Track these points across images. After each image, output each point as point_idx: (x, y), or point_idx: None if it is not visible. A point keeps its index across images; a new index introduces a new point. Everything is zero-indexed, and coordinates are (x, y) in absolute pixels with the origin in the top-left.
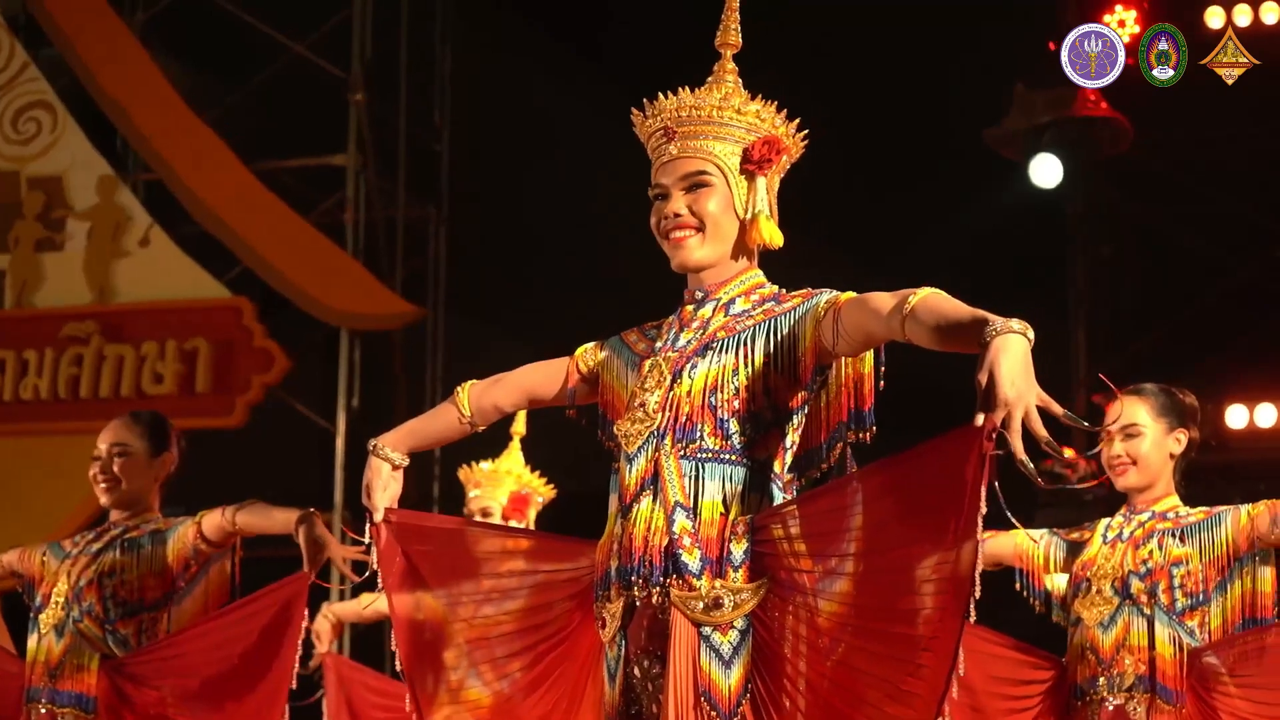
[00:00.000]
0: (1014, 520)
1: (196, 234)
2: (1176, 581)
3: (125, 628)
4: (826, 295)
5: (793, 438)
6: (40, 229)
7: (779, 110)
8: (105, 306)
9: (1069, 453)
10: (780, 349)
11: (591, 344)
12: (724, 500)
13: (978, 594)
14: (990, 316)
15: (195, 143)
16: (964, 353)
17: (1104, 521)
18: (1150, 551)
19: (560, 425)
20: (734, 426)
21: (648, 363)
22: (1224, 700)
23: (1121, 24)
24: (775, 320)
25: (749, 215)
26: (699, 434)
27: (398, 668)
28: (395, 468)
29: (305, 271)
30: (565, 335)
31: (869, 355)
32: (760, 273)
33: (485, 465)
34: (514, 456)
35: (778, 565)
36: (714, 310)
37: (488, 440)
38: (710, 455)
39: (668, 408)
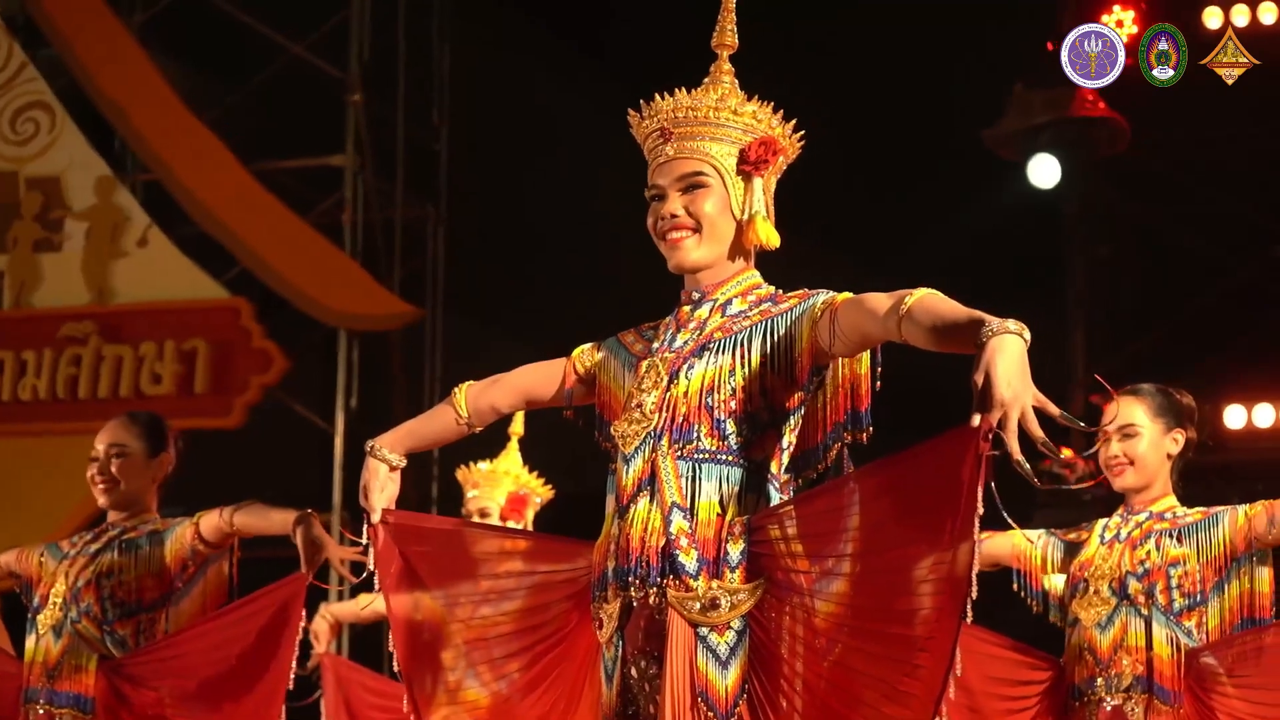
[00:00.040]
0: (1010, 521)
1: (195, 234)
2: (1174, 582)
3: (123, 628)
4: (823, 296)
5: (789, 438)
6: (38, 229)
7: (775, 111)
8: (103, 307)
9: (1067, 453)
10: (777, 350)
11: (588, 345)
12: (721, 501)
13: (974, 594)
14: (986, 317)
15: (193, 143)
16: (960, 353)
17: (1101, 522)
18: (1148, 552)
19: (558, 426)
20: (731, 427)
21: (645, 363)
22: (1222, 701)
23: (1120, 24)
24: (772, 321)
25: (745, 216)
26: (696, 435)
27: (395, 668)
28: (392, 469)
29: (304, 272)
30: (565, 335)
31: (865, 356)
32: (757, 273)
33: (483, 466)
34: (512, 457)
35: (775, 566)
36: (711, 311)
37: (486, 441)
38: (707, 456)
39: (664, 408)
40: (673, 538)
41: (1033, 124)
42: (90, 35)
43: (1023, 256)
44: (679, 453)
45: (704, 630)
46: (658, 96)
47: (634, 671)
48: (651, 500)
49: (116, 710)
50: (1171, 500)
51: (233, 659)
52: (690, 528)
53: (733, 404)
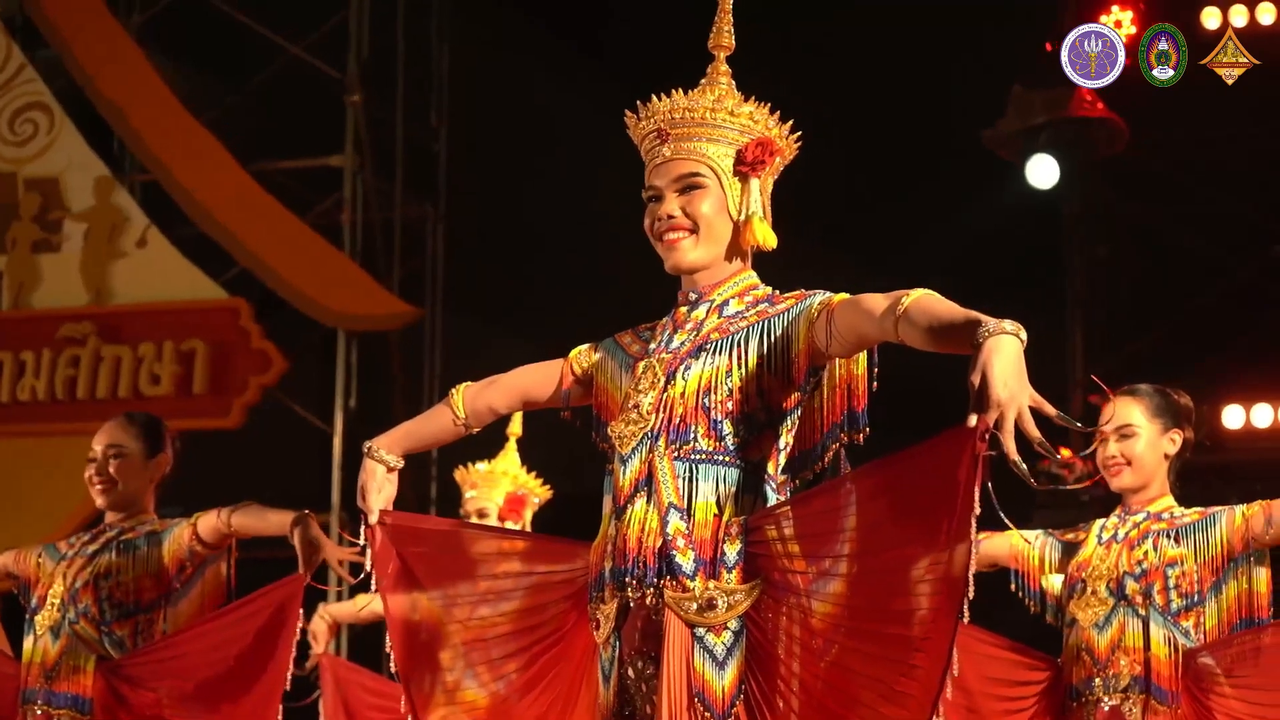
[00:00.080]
0: (1007, 521)
1: (193, 235)
2: (1171, 582)
3: (121, 629)
4: (820, 297)
5: (786, 439)
6: (37, 230)
7: (773, 112)
8: (102, 308)
9: (1065, 453)
10: (774, 350)
11: (585, 346)
12: (718, 501)
13: (971, 595)
14: (983, 317)
15: (192, 144)
16: (957, 354)
17: (1099, 522)
18: (1145, 552)
19: (556, 427)
20: (727, 428)
21: (641, 364)
22: (1219, 701)
23: (1118, 24)
24: (769, 322)
25: (742, 217)
26: (693, 435)
27: (392, 669)
28: (390, 470)
29: (302, 272)
30: (564, 335)
31: (862, 356)
32: (754, 274)
33: (481, 466)
34: (510, 457)
35: (771, 566)
36: (707, 312)
37: (484, 441)
38: (704, 456)
39: (661, 409)
40: (669, 538)
41: (1031, 124)
42: (89, 36)
43: (1021, 257)
44: (676, 453)
45: (701, 631)
46: (654, 97)
47: (631, 672)
48: (648, 501)
49: (114, 711)
50: (1169, 500)
51: (231, 660)
52: (687, 528)
53: (730, 405)
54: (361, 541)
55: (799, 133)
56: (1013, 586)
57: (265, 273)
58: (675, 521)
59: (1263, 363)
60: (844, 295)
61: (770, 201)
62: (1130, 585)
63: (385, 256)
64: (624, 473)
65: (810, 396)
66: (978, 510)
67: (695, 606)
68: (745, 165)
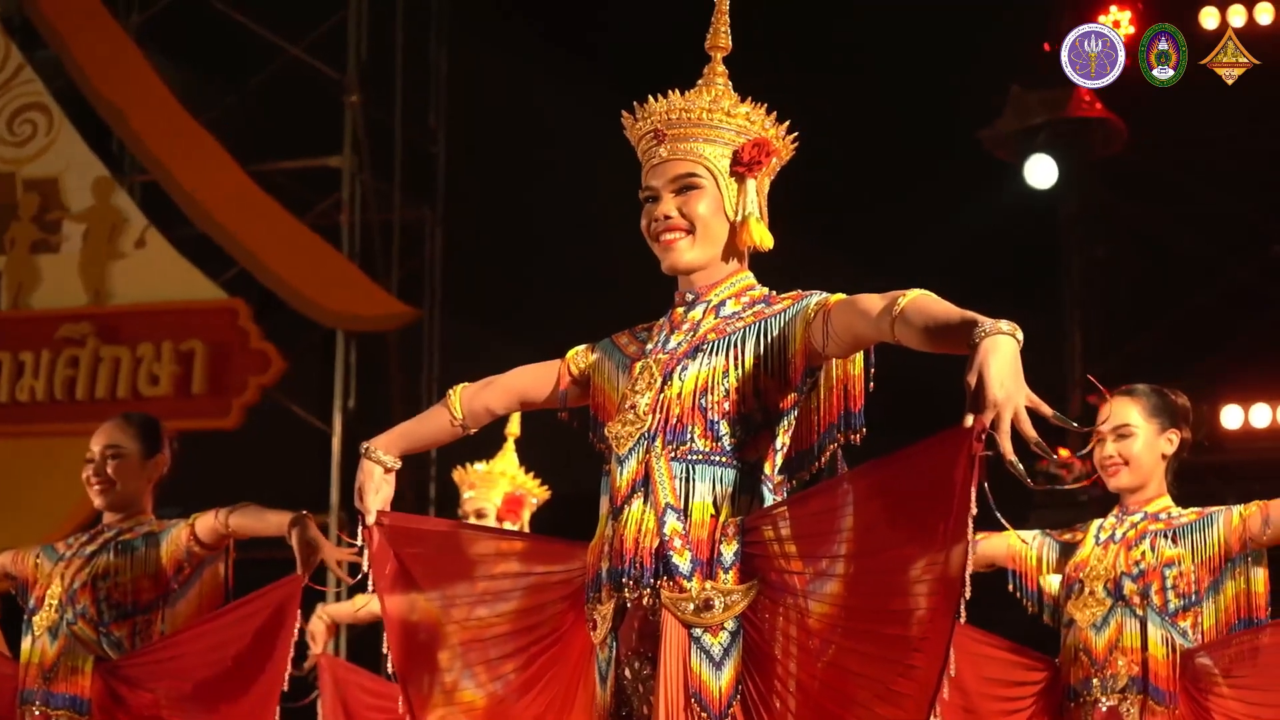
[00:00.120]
0: (1004, 521)
1: (192, 236)
2: (1169, 583)
3: (119, 630)
4: (816, 297)
5: (783, 439)
6: (36, 231)
7: (769, 113)
8: (101, 308)
9: (1064, 453)
10: (770, 351)
11: (582, 346)
12: (714, 502)
13: (968, 595)
14: (979, 318)
15: (191, 144)
16: (953, 354)
17: (1096, 523)
18: (1143, 553)
19: (554, 427)
20: (724, 428)
21: (638, 365)
22: (1217, 701)
23: (1116, 24)
24: (765, 322)
25: (739, 217)
26: (689, 436)
27: (389, 669)
28: (387, 470)
29: (301, 273)
30: (563, 336)
31: (859, 357)
32: (750, 275)
33: (480, 467)
34: (508, 458)
35: (768, 567)
36: (704, 312)
37: (482, 442)
38: (701, 457)
39: (658, 410)
40: (666, 539)
41: (1030, 124)
42: (88, 36)
43: (1020, 257)
44: (673, 454)
45: (698, 631)
46: (651, 98)
47: (628, 672)
48: (645, 501)
49: (112, 711)
50: (1166, 501)
51: (229, 660)
52: (684, 529)
53: (726, 405)
54: (359, 542)
55: (796, 133)
56: (1010, 587)
57: (264, 273)
58: (672, 522)
59: (1261, 363)
60: (840, 296)
61: (767, 202)
62: (1128, 585)
63: (384, 257)
64: (621, 473)
65: (807, 397)
66: (974, 510)
67: (692, 607)
68: (742, 166)
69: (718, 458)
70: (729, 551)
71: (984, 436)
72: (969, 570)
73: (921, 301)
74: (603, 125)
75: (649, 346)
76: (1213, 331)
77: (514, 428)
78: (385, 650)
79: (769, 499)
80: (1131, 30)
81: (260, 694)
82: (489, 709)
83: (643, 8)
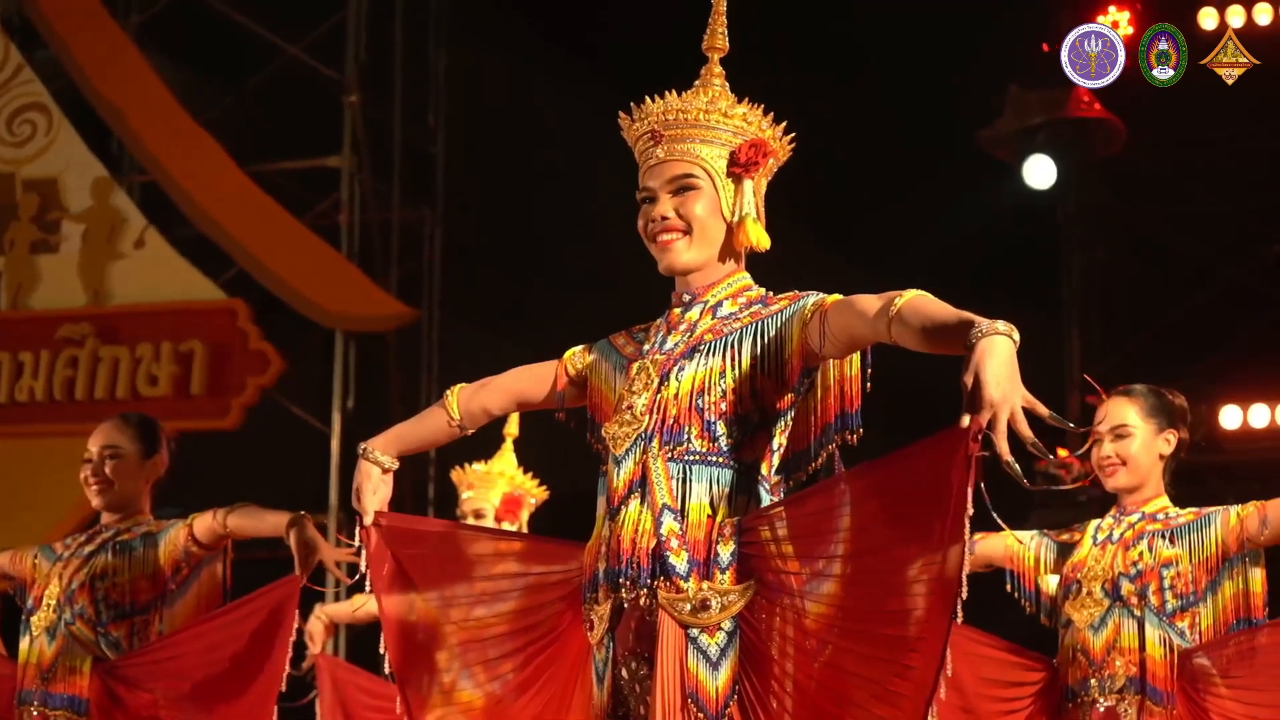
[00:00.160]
0: (1000, 522)
1: (191, 236)
2: (1166, 583)
3: (117, 630)
4: (813, 298)
5: (780, 440)
6: (35, 231)
7: (767, 113)
8: (100, 308)
9: (1062, 453)
10: (767, 351)
11: (580, 347)
12: (711, 502)
13: (965, 595)
14: (976, 318)
15: (190, 145)
16: (950, 355)
17: (1094, 523)
18: (1140, 553)
19: (553, 428)
20: (721, 429)
21: (635, 365)
22: (1215, 701)
23: (1115, 25)
24: (762, 323)
25: (736, 218)
26: (686, 436)
27: (387, 669)
28: (385, 471)
29: (300, 273)
30: (562, 337)
31: (856, 357)
32: (747, 275)
33: (478, 467)
34: (507, 458)
35: (765, 567)
36: (701, 313)
37: (481, 442)
38: (697, 458)
39: (655, 410)
40: (663, 539)
41: (1029, 125)
42: (87, 37)
43: (1019, 257)
44: (670, 454)
45: (694, 631)
46: (648, 99)
47: (625, 673)
48: (642, 502)
49: (111, 712)
50: (1164, 501)
51: (227, 661)
52: (681, 529)
53: (723, 406)
54: (357, 543)
55: (794, 134)
56: (1008, 587)
57: (263, 274)
58: (669, 522)
59: (1259, 363)
60: (837, 296)
61: (764, 202)
62: (1125, 586)
63: (382, 257)
64: (618, 474)
65: (804, 397)
66: (971, 511)
67: (689, 607)
68: (739, 167)
69: (714, 458)
70: (726, 552)
71: (980, 437)
72: (966, 570)
73: (918, 302)
74: (603, 125)
75: (646, 347)
76: (1212, 332)
77: (512, 428)
78: (382, 650)
79: (766, 499)
80: (1130, 30)
81: (258, 694)
82: (487, 709)
83: (643, 8)
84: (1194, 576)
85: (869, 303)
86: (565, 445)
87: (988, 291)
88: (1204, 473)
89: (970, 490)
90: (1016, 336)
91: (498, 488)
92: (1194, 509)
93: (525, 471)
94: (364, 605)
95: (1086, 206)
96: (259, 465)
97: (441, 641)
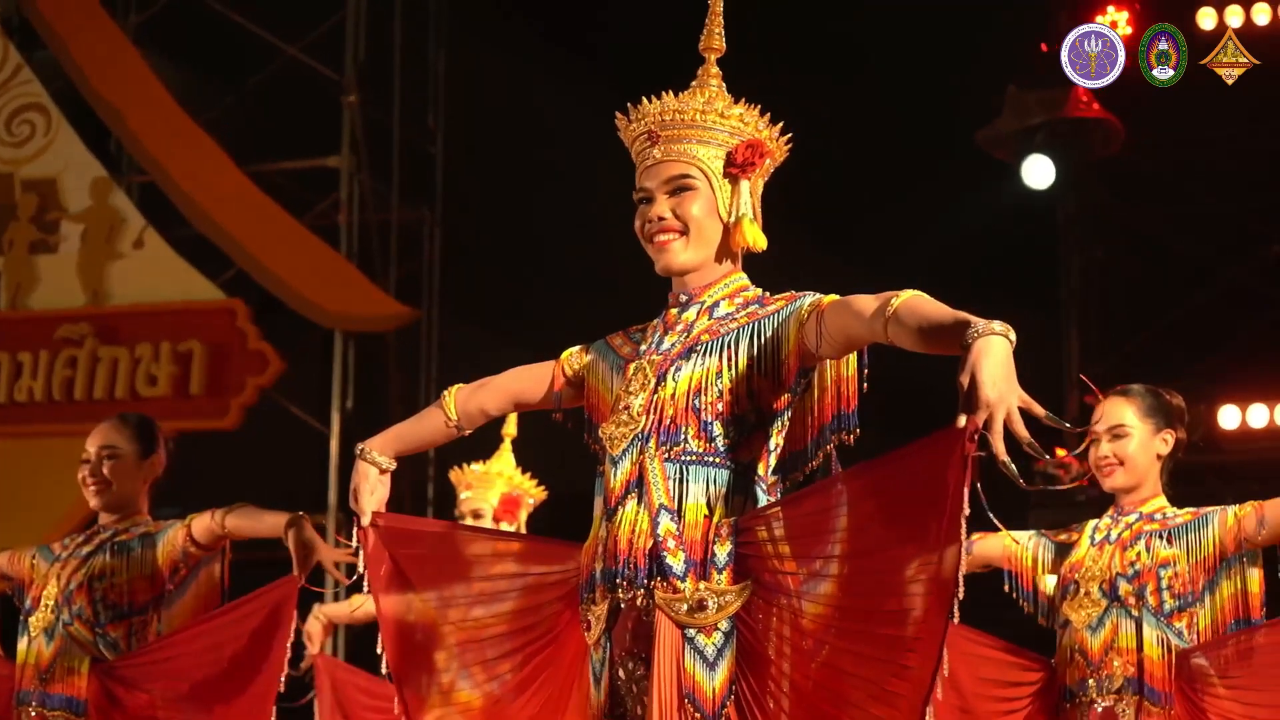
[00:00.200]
0: (996, 522)
1: (190, 236)
2: (1164, 583)
3: (115, 631)
4: (809, 298)
5: (776, 440)
6: (34, 231)
7: (764, 114)
8: (99, 309)
9: (1061, 453)
10: (764, 352)
11: (577, 348)
12: (708, 503)
13: (962, 595)
14: (972, 318)
15: (189, 145)
16: (946, 355)
17: (1091, 523)
18: (1138, 553)
19: (551, 428)
20: (718, 429)
21: (632, 366)
22: (1213, 702)
23: (1114, 25)
24: (759, 323)
25: (732, 218)
26: (683, 437)
27: (384, 670)
28: (382, 472)
29: (299, 273)
30: (562, 337)
31: (852, 358)
32: (744, 275)
33: (476, 467)
34: (505, 458)
35: (762, 567)
36: (698, 313)
37: (479, 442)
38: (694, 458)
39: (652, 411)
40: (660, 539)
41: (1027, 125)
42: (86, 37)
43: (1017, 257)
44: (666, 455)
45: (691, 632)
46: (645, 100)
47: (622, 673)
48: (639, 502)
49: (109, 712)
50: (1161, 501)
51: (225, 661)
52: (677, 529)
53: (720, 406)
54: (355, 543)
55: (793, 134)
56: (1006, 587)
57: (262, 274)
58: (666, 523)
59: (1258, 363)
60: (834, 296)
61: (761, 203)
62: (1123, 586)
63: (382, 258)
64: (615, 474)
65: (800, 398)
66: (967, 511)
67: (686, 607)
68: (735, 167)
69: (711, 458)
70: (723, 552)
71: (977, 437)
72: (963, 571)
73: (914, 302)
74: (603, 125)
75: (643, 348)
76: (1211, 332)
77: (511, 428)
78: (380, 651)
79: (763, 499)
80: (1129, 31)
81: (257, 694)
82: (485, 709)
83: (643, 8)
84: (1191, 577)
85: (866, 303)
86: (563, 446)
87: (987, 291)
88: (1202, 473)
89: (967, 490)
90: (1013, 337)
91: (496, 488)
92: (1192, 509)
93: (523, 472)
94: (362, 605)
95: (1085, 206)
96: (258, 465)
97: (440, 642)
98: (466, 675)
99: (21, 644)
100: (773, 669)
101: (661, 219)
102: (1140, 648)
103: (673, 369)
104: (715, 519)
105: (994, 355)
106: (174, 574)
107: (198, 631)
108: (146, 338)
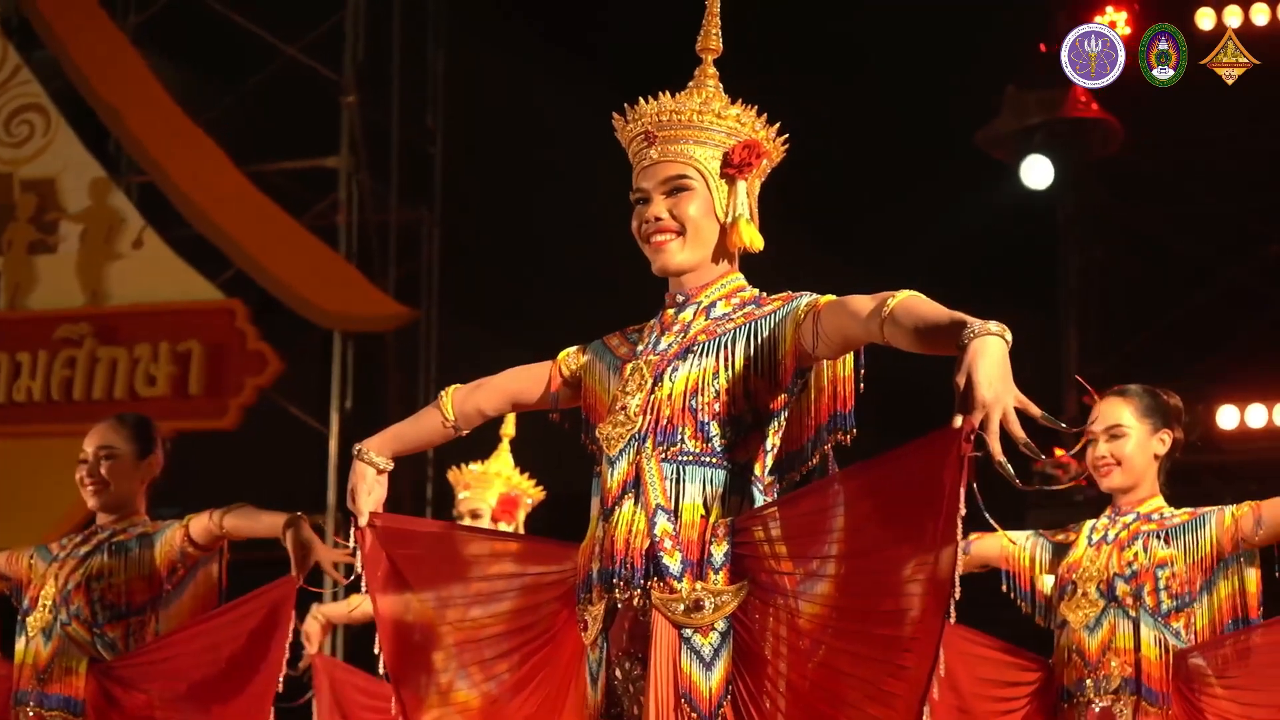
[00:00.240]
0: (993, 522)
1: (190, 236)
2: (1162, 583)
3: (113, 631)
4: (806, 298)
5: (773, 440)
6: (33, 231)
7: (761, 114)
8: (98, 309)
9: (1059, 453)
10: (761, 352)
11: (574, 348)
12: (705, 503)
13: (959, 595)
14: (968, 319)
15: (188, 145)
16: (943, 355)
17: (1089, 523)
18: (1135, 553)
19: (549, 428)
20: (715, 429)
21: (629, 366)
22: (1210, 702)
23: (1113, 25)
24: (756, 323)
25: (729, 219)
26: (680, 437)
27: (381, 670)
28: (380, 472)
29: (298, 274)
30: (561, 337)
31: (849, 358)
32: (741, 276)
33: (475, 467)
34: (503, 458)
35: (759, 567)
36: (695, 314)
37: (478, 442)
38: (691, 458)
39: (649, 411)
40: (657, 539)
41: (1026, 125)
42: (85, 37)
43: (1016, 257)
44: (663, 455)
45: (688, 632)
46: (642, 100)
47: (618, 673)
48: (636, 502)
49: (106, 713)
50: (1159, 501)
51: (223, 661)
52: (674, 529)
53: (716, 406)
54: (352, 543)
55: (789, 134)
56: (1004, 587)
57: (261, 274)
58: (662, 523)
59: (1257, 363)
60: (830, 297)
61: (757, 203)
62: (1121, 587)
63: (380, 258)
64: (612, 474)
65: (797, 398)
66: (964, 511)
67: (682, 607)
68: (732, 167)
69: (708, 459)
70: (719, 552)
71: (973, 437)
72: (960, 571)
73: (911, 303)
74: (603, 125)
75: (640, 348)
76: (1210, 332)
77: (509, 429)
78: (378, 651)
79: (759, 500)
80: (1128, 31)
81: (255, 694)
82: (483, 709)
83: (643, 8)
84: (1189, 577)
85: (862, 303)
86: (561, 446)
87: (986, 291)
88: (1201, 473)
89: (963, 491)
90: (1009, 337)
91: (494, 488)
92: (1189, 509)
93: (522, 472)
94: (360, 606)
95: (1085, 206)
96: (256, 466)
97: (437, 642)
98: (464, 675)
99: (19, 644)
100: (769, 669)
101: (658, 219)
102: (1138, 648)
103: (670, 369)
104: (712, 519)
105: (990, 356)
106: (172, 574)
107: (196, 632)
108: (145, 338)
